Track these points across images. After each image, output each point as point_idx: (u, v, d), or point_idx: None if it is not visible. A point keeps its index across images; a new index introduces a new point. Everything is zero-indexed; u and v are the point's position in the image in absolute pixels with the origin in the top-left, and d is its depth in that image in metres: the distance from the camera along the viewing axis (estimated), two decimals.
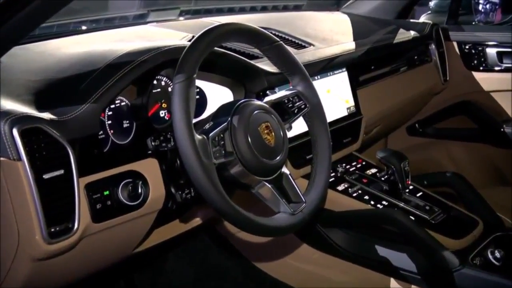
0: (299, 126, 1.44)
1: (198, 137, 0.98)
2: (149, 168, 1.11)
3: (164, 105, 1.20)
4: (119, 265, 1.24)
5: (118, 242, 1.13)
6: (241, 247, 1.72)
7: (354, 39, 1.83)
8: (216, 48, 1.23)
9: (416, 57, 2.10)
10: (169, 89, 1.20)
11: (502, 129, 2.14)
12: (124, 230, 1.09)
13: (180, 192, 1.15)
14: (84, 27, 1.59)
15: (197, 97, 1.29)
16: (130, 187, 1.06)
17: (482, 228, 1.43)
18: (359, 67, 1.77)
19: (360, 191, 1.53)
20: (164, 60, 1.11)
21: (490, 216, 1.51)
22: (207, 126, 1.06)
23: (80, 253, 1.01)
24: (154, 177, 1.11)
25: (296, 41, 1.71)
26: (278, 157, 1.11)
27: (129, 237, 1.14)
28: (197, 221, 1.36)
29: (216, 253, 1.77)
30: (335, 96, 1.65)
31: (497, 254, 1.33)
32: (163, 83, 1.21)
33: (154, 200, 1.11)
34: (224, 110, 1.09)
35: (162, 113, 1.21)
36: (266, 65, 1.41)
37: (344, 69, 1.69)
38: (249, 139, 1.05)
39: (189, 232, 1.35)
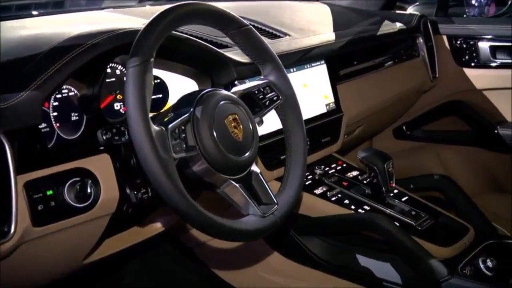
0: (273, 123, 1.44)
1: (155, 128, 0.96)
2: (101, 165, 1.08)
3: (119, 97, 1.18)
4: (67, 279, 1.21)
5: (64, 251, 1.10)
6: (208, 259, 1.70)
7: (335, 30, 1.85)
8: (178, 33, 1.22)
9: (402, 51, 2.13)
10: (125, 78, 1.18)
11: (496, 131, 2.18)
12: (70, 236, 1.06)
13: (135, 192, 1.13)
14: (33, 12, 1.57)
15: (158, 88, 1.28)
16: (78, 187, 1.03)
17: (473, 235, 1.44)
18: (340, 60, 1.78)
19: (339, 195, 1.53)
20: (118, 44, 1.10)
21: (482, 223, 1.53)
22: (166, 118, 1.05)
23: (18, 262, 0.98)
24: (106, 175, 1.09)
25: (270, 30, 1.72)
26: (247, 154, 1.10)
27: (77, 244, 1.12)
28: (158, 228, 1.33)
29: (180, 266, 1.75)
30: (313, 91, 1.66)
31: (489, 263, 1.34)
32: (118, 71, 1.19)
33: (106, 202, 1.08)
34: (186, 101, 1.08)
35: (116, 106, 1.19)
36: (236, 55, 1.40)
37: (323, 62, 1.70)
38: (214, 133, 1.03)
39: (149, 242, 1.33)
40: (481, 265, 1.34)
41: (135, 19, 1.49)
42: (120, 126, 1.12)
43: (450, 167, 2.35)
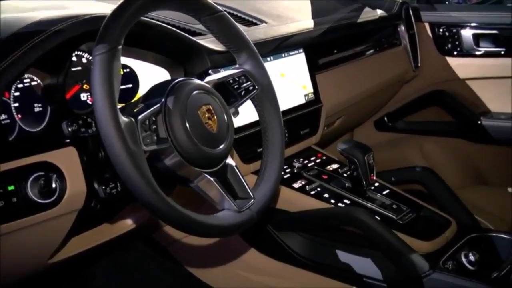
0: (249, 114, 1.44)
1: (124, 119, 0.95)
2: (66, 159, 1.07)
3: (85, 87, 1.17)
4: (32, 280, 1.20)
5: (28, 249, 1.09)
6: (182, 258, 1.70)
7: (313, 17, 1.85)
8: (148, 19, 1.21)
9: (383, 40, 2.15)
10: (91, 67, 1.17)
11: (479, 122, 2.21)
12: (34, 234, 1.05)
13: (104, 187, 1.12)
14: None
15: (128, 78, 1.27)
16: (42, 182, 1.02)
17: (455, 229, 1.46)
18: (319, 49, 1.78)
19: (319, 189, 1.54)
20: (84, 31, 1.08)
21: (464, 216, 1.55)
22: (136, 108, 1.04)
23: None
24: (73, 169, 1.07)
25: (246, 17, 1.72)
26: (221, 146, 1.10)
27: (41, 243, 1.10)
28: (128, 225, 1.32)
29: (153, 266, 1.74)
30: (291, 80, 1.66)
31: (471, 257, 1.36)
32: (84, 60, 1.17)
33: (72, 198, 1.07)
34: (157, 90, 1.07)
35: (83, 96, 1.18)
36: (210, 43, 1.40)
37: (301, 50, 1.70)
38: (187, 124, 1.03)
39: (120, 240, 1.32)
40: (464, 259, 1.37)
41: (103, 4, 1.47)
42: (87, 118, 1.11)
43: (433, 159, 2.38)
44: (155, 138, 1.00)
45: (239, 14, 1.73)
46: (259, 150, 1.47)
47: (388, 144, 2.47)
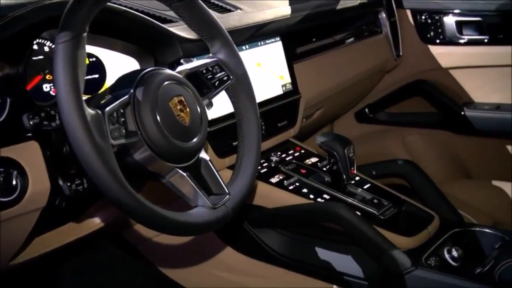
0: (223, 106, 1.44)
1: (90, 111, 0.94)
2: (28, 154, 1.06)
3: (48, 77, 1.16)
4: None
5: None
6: (154, 257, 1.69)
7: (291, 4, 1.85)
8: (115, 5, 1.20)
9: (363, 27, 2.16)
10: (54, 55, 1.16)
11: (462, 113, 2.24)
12: None
13: (69, 184, 1.11)
14: None
15: (94, 67, 1.26)
16: (2, 179, 1.01)
17: (438, 224, 1.48)
18: (296, 37, 1.79)
19: (297, 184, 1.54)
20: (45, 17, 1.07)
21: (447, 211, 1.57)
22: (103, 100, 1.03)
23: None
24: (35, 165, 1.06)
25: (220, 3, 1.71)
26: (194, 139, 1.10)
27: (2, 243, 1.09)
28: (96, 224, 1.32)
29: (123, 266, 1.73)
30: (267, 70, 1.66)
31: (455, 253, 1.38)
32: (46, 48, 1.16)
33: (34, 195, 1.06)
34: (125, 81, 1.06)
35: (46, 87, 1.16)
36: (182, 30, 1.39)
37: (278, 39, 1.70)
38: (158, 116, 1.03)
39: (87, 239, 1.31)
40: (446, 255, 1.39)
41: None
42: (50, 110, 1.10)
43: (415, 151, 2.40)
44: (124, 131, 1.00)
45: (212, 0, 1.72)
46: (234, 143, 1.48)
47: (369, 136, 2.49)
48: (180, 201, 1.11)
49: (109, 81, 1.28)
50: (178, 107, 1.08)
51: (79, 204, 1.23)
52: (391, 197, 1.55)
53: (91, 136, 0.92)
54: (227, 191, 1.13)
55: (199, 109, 1.12)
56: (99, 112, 0.96)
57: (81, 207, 1.26)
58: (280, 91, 1.70)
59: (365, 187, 1.58)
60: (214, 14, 1.55)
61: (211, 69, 1.19)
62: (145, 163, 1.05)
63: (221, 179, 1.14)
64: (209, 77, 1.19)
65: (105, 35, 1.24)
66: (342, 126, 2.54)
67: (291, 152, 1.71)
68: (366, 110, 2.50)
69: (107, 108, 0.97)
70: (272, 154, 1.66)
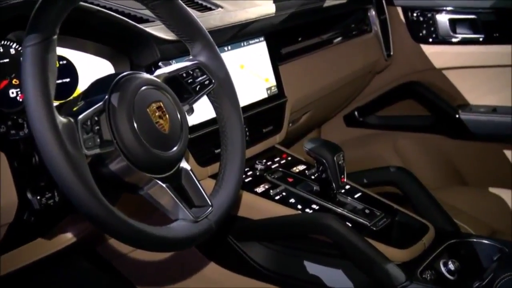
0: (205, 112, 1.44)
1: (61, 119, 0.94)
2: None
3: (15, 82, 1.15)
4: None
5: None
6: (131, 274, 1.68)
7: (275, 1, 1.85)
8: (87, 5, 1.20)
9: (352, 26, 2.18)
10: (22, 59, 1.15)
11: (457, 116, 2.26)
12: None
13: (39, 197, 1.10)
14: None
15: (65, 71, 1.25)
16: None
17: (433, 235, 1.49)
18: (281, 37, 1.80)
19: (284, 193, 1.55)
20: (11, 17, 1.06)
21: (443, 220, 1.58)
22: (76, 107, 1.02)
23: None
24: (1, 177, 1.05)
25: (199, 1, 1.71)
26: (174, 148, 1.10)
27: None
28: (68, 239, 1.32)
29: (97, 282, 1.72)
30: (251, 73, 1.66)
31: (451, 266, 1.40)
32: (12, 51, 1.15)
33: (1, 210, 1.05)
34: (100, 86, 1.06)
35: (12, 93, 1.15)
36: (160, 31, 1.39)
37: (262, 38, 1.71)
38: (135, 124, 1.02)
39: (58, 255, 1.31)
40: (443, 268, 1.40)
41: None
42: (18, 118, 1.09)
43: (408, 157, 2.43)
44: (98, 140, 0.99)
45: None
46: (217, 151, 1.48)
47: (359, 141, 2.51)
48: (159, 214, 1.11)
49: (81, 86, 1.28)
50: (157, 114, 1.07)
51: (49, 219, 1.22)
52: (384, 206, 1.56)
53: (62, 146, 0.91)
54: (209, 203, 1.13)
55: (179, 116, 1.12)
56: (72, 120, 0.96)
57: (51, 222, 1.25)
58: (264, 95, 1.70)
59: (356, 196, 1.58)
60: (194, 13, 1.56)
61: (191, 72, 1.19)
62: (122, 174, 1.04)
63: (203, 190, 1.13)
64: (189, 81, 1.19)
65: (77, 36, 1.24)
66: (331, 131, 2.56)
67: (277, 159, 1.72)
68: (356, 113, 2.52)
69: (80, 116, 0.97)
70: (257, 162, 1.66)
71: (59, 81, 1.23)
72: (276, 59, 1.75)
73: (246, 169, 1.61)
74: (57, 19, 0.95)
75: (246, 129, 1.60)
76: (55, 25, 0.95)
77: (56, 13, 0.95)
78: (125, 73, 1.07)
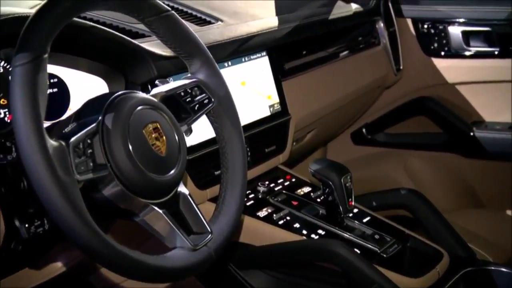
0: (204, 131, 1.44)
1: (52, 143, 0.94)
2: None
3: (3, 102, 1.15)
4: None
5: None
6: None
7: (278, 14, 1.86)
8: (81, 21, 1.20)
9: (359, 39, 2.19)
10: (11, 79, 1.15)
11: (472, 134, 2.26)
12: None
13: (27, 225, 1.09)
14: None
15: (55, 90, 1.25)
16: None
17: (447, 262, 1.48)
18: (285, 51, 1.81)
19: (288, 217, 1.54)
20: (0, 35, 1.06)
21: (458, 246, 1.58)
22: (67, 128, 1.03)
23: None
24: None
25: (198, 14, 1.72)
26: (172, 171, 1.10)
27: None
28: (58, 268, 1.31)
29: None
30: (253, 89, 1.67)
31: None
32: (0, 69, 1.15)
33: None
34: (93, 106, 1.06)
35: (0, 113, 1.15)
36: (156, 46, 1.40)
37: (265, 53, 1.72)
38: (130, 146, 1.02)
39: (48, 286, 1.30)
40: None
41: (25, 3, 1.45)
42: (5, 141, 1.09)
43: (419, 177, 2.42)
44: (91, 164, 0.99)
45: (189, 11, 1.73)
46: (216, 173, 1.48)
47: (367, 160, 2.51)
48: (154, 240, 1.10)
49: (73, 105, 1.28)
50: (153, 135, 1.07)
51: (38, 247, 1.21)
52: (394, 231, 1.55)
53: (53, 171, 0.91)
54: (209, 229, 1.12)
55: (176, 137, 1.12)
56: (63, 143, 0.96)
57: (41, 250, 1.24)
58: (267, 112, 1.70)
59: (364, 220, 1.58)
60: (192, 26, 1.57)
61: (190, 91, 1.20)
62: (116, 200, 1.04)
63: (202, 216, 1.13)
64: (187, 100, 1.19)
65: (69, 53, 1.24)
66: (337, 149, 2.56)
67: (280, 181, 1.72)
68: (364, 130, 2.52)
69: (72, 139, 0.97)
70: (259, 184, 1.66)
71: (50, 100, 1.23)
72: (279, 75, 1.76)
73: (247, 192, 1.61)
74: (48, 37, 0.96)
75: (248, 149, 1.60)
76: (46, 43, 0.95)
77: (47, 31, 0.95)
78: (119, 93, 1.07)
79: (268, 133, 1.70)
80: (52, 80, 1.25)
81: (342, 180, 1.50)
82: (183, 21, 1.19)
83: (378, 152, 2.51)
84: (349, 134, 2.54)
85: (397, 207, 1.75)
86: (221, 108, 1.23)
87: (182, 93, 1.19)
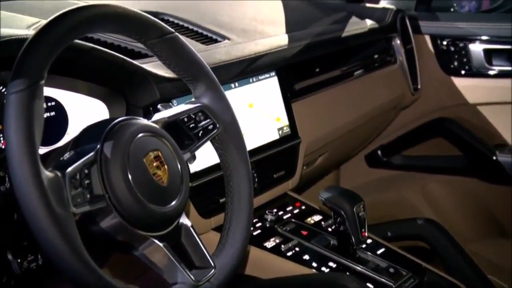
0: (209, 155, 1.44)
1: (47, 174, 0.94)
2: None
3: None
4: None
5: None
6: None
7: (288, 31, 1.87)
8: (80, 42, 1.21)
9: (374, 57, 2.19)
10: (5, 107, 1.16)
11: (494, 157, 2.25)
12: None
13: (19, 260, 1.10)
14: None
15: (53, 113, 1.26)
16: None
17: None
18: (295, 71, 1.81)
19: (297, 248, 1.54)
20: None
21: (478, 280, 1.57)
22: (64, 157, 1.03)
23: None
24: None
25: (204, 32, 1.73)
26: (173, 202, 1.10)
27: None
28: None
29: None
30: (261, 111, 1.67)
31: None
32: None
33: None
34: (91, 133, 1.07)
35: None
36: (158, 67, 1.40)
37: (274, 74, 1.72)
38: (129, 176, 1.03)
39: None
40: None
41: (22, 18, 1.46)
42: None
43: (438, 203, 2.41)
44: (88, 196, 0.99)
45: (194, 28, 1.74)
46: (221, 200, 1.48)
47: (383, 183, 2.50)
48: (153, 274, 1.10)
49: (71, 129, 1.29)
50: (154, 164, 1.08)
51: (31, 282, 1.22)
52: (411, 264, 1.55)
53: (47, 204, 0.91)
54: (212, 264, 1.12)
55: (179, 166, 1.12)
56: (59, 174, 0.96)
57: (34, 286, 1.24)
58: (276, 136, 1.71)
59: (378, 252, 1.58)
60: (198, 45, 1.58)
61: (193, 116, 1.20)
62: (114, 232, 1.04)
63: (205, 249, 1.13)
64: (191, 126, 1.20)
65: (67, 76, 1.25)
66: (351, 172, 2.55)
67: (289, 208, 1.72)
68: (379, 152, 2.51)
69: (69, 169, 0.97)
70: (266, 212, 1.66)
71: (47, 124, 1.24)
72: (289, 96, 1.76)
73: (254, 221, 1.61)
74: (45, 62, 0.96)
75: (255, 175, 1.61)
76: (43, 69, 0.96)
77: (44, 56, 0.96)
78: (119, 119, 1.08)
79: (276, 158, 1.70)
80: (49, 104, 1.26)
81: (354, 209, 1.50)
82: (187, 43, 1.19)
83: (394, 175, 2.51)
84: (364, 156, 2.54)
85: (413, 238, 1.75)
86: (227, 134, 1.24)
87: (186, 119, 1.19)
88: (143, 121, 1.11)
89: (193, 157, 1.22)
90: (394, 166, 2.50)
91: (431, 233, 1.68)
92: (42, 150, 1.04)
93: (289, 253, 1.52)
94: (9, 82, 0.94)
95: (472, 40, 2.26)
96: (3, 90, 1.17)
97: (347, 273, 1.47)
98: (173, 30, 1.17)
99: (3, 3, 1.64)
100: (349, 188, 1.59)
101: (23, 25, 1.41)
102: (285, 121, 1.74)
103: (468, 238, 1.88)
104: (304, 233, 1.60)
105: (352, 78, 2.06)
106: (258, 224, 1.62)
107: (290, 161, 1.76)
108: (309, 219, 1.68)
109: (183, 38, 1.22)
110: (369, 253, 1.56)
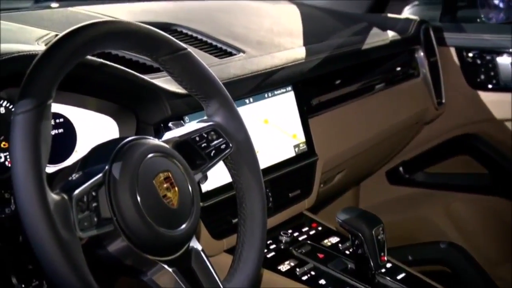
0: (221, 174, 1.44)
1: (53, 197, 0.95)
2: None
3: (4, 144, 1.17)
4: None
5: None
6: None
7: (306, 43, 1.88)
8: (90, 58, 1.22)
9: (397, 70, 2.19)
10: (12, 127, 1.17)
11: None
12: None
13: (24, 285, 1.10)
14: None
15: (61, 130, 1.27)
16: None
17: None
18: (313, 85, 1.81)
19: (313, 272, 1.54)
20: (4, 74, 1.08)
21: None
22: (72, 178, 1.04)
23: None
24: None
25: (218, 44, 1.74)
26: (183, 225, 1.10)
27: None
28: None
29: None
30: (277, 128, 1.68)
31: None
32: (2, 110, 1.18)
33: None
34: (100, 154, 1.07)
35: (0, 157, 1.17)
36: (170, 83, 1.41)
37: (290, 88, 1.73)
38: (138, 198, 1.03)
39: None
40: None
41: (31, 30, 1.47)
42: (4, 192, 1.10)
43: (462, 223, 2.40)
44: (95, 219, 1.00)
45: (208, 40, 1.75)
46: (234, 221, 1.48)
47: (404, 201, 2.49)
48: None
49: (80, 147, 1.30)
50: (164, 186, 1.08)
51: None
52: None
53: (53, 228, 0.92)
54: None
55: (190, 187, 1.13)
56: (65, 197, 0.97)
57: None
58: (292, 153, 1.71)
59: (399, 277, 1.57)
60: (212, 59, 1.59)
61: (205, 135, 1.20)
62: (121, 257, 1.05)
63: (216, 274, 1.13)
64: (203, 145, 1.20)
65: (76, 92, 1.26)
66: (371, 189, 2.54)
67: (305, 229, 1.72)
68: (401, 169, 2.51)
69: (76, 192, 0.98)
70: (281, 233, 1.66)
71: (55, 142, 1.25)
72: (306, 112, 1.76)
73: (268, 242, 1.61)
74: (54, 80, 0.97)
75: (269, 194, 1.61)
76: (51, 88, 0.97)
77: (54, 74, 0.97)
78: (129, 139, 1.08)
79: (292, 176, 1.70)
80: (57, 120, 1.27)
81: (373, 232, 1.49)
82: (199, 60, 1.20)
83: (416, 193, 2.50)
84: (385, 173, 2.53)
85: (435, 262, 1.74)
86: (240, 154, 1.24)
87: (197, 138, 1.19)
88: (153, 140, 1.12)
89: (205, 177, 1.23)
90: (416, 183, 2.50)
91: (455, 258, 1.67)
92: (50, 169, 1.05)
93: (304, 277, 1.52)
94: (17, 101, 0.95)
95: (500, 53, 2.25)
96: (10, 107, 1.18)
97: None
98: (185, 47, 1.17)
99: (12, 14, 1.67)
100: (369, 206, 1.60)
101: (32, 38, 1.43)
102: (301, 138, 1.74)
103: (493, 262, 1.87)
104: (321, 256, 1.60)
105: (372, 93, 2.06)
106: (272, 246, 1.62)
107: (306, 180, 1.76)
108: (325, 241, 1.68)
109: (196, 51, 1.23)
110: (389, 278, 1.55)
